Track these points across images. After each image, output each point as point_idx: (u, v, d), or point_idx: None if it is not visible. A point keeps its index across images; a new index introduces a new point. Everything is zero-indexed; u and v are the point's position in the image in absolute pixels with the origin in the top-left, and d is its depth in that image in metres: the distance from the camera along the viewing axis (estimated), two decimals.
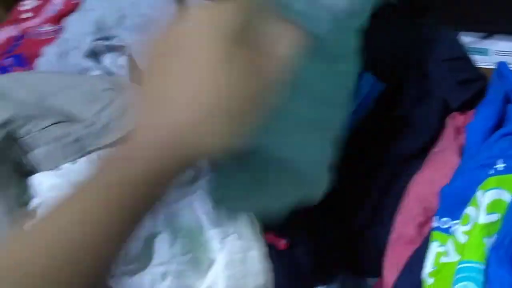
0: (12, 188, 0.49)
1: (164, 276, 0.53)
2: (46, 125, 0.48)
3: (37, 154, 0.49)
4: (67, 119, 0.49)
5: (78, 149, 0.48)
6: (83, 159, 0.48)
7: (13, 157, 0.49)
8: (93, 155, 0.48)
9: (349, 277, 0.60)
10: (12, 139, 0.48)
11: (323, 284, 0.60)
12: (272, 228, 0.55)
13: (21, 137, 0.48)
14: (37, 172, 0.49)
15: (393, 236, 0.56)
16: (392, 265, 0.55)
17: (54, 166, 0.49)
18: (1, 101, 0.51)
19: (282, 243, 0.56)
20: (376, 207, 0.57)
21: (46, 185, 0.51)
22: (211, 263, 0.56)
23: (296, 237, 0.57)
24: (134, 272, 0.51)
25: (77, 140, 0.49)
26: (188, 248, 0.53)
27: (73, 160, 0.48)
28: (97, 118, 0.49)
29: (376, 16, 0.48)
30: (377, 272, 0.57)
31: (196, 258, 0.54)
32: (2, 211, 0.47)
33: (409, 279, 0.52)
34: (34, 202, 0.51)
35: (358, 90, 0.53)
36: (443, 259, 0.43)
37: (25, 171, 0.51)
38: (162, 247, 0.51)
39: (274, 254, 0.55)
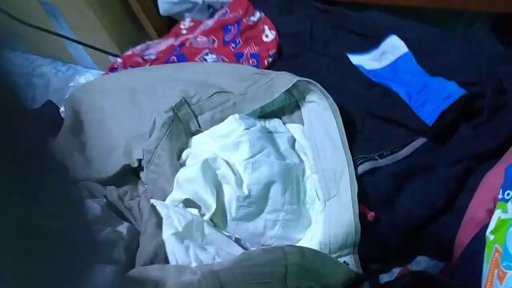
0: (179, 142, 0.67)
1: (275, 223, 0.67)
2: (211, 94, 0.66)
3: (203, 117, 0.67)
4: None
5: (233, 112, 0.66)
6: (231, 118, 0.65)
7: (186, 120, 0.67)
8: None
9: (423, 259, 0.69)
10: (187, 104, 0.66)
11: (399, 262, 0.70)
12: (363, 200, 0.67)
13: (193, 105, 0.67)
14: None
15: (465, 218, 0.66)
16: (461, 243, 0.65)
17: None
18: (174, 81, 0.70)
19: (371, 215, 0.68)
20: (452, 196, 0.67)
21: (196, 141, 0.68)
22: (311, 221, 0.69)
23: (383, 211, 0.68)
24: (252, 217, 0.66)
25: (234, 105, 0.66)
26: (295, 199, 0.67)
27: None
28: (247, 91, 0.66)
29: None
30: (447, 256, 0.67)
31: (300, 212, 0.67)
32: (168, 154, 0.65)
33: (470, 260, 0.62)
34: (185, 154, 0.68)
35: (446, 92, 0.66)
36: (502, 216, 0.53)
37: (191, 132, 0.68)
38: (276, 194, 0.65)
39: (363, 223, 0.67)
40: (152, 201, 0.62)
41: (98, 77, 0.88)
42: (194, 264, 0.57)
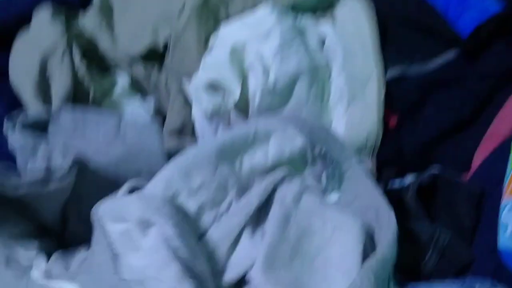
0: (208, 26, 0.66)
1: None
2: None
3: (232, 6, 0.65)
4: None
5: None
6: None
7: (217, 4, 0.66)
8: None
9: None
10: None
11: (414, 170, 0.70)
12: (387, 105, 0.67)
13: None
14: None
15: (488, 132, 0.66)
16: (480, 155, 0.65)
17: None
18: None
19: (393, 119, 0.68)
20: (478, 110, 0.68)
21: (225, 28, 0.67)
22: (332, 121, 0.69)
23: (406, 119, 0.69)
24: (274, 109, 0.66)
25: None
26: (320, 98, 0.67)
27: None
28: None
29: None
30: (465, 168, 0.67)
31: (323, 110, 0.67)
32: (196, 35, 0.64)
33: (491, 165, 0.62)
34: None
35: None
36: None
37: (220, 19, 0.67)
38: (301, 89, 0.65)
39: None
40: (183, 80, 0.62)
41: None
42: None
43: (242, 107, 0.64)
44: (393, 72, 0.68)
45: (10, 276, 0.38)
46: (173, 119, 0.57)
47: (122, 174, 0.44)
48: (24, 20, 0.62)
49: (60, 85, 0.54)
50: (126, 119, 0.47)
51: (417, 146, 0.69)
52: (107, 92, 0.60)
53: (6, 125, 0.44)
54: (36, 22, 0.61)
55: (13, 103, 0.54)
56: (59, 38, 0.57)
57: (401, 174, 0.69)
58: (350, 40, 0.68)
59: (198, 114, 0.59)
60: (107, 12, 0.70)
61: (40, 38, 0.58)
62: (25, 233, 0.42)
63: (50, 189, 0.40)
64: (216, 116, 0.60)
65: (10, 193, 0.39)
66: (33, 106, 0.52)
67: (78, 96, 0.55)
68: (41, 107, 0.52)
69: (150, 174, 0.45)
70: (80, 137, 0.44)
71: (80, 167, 0.41)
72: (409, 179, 0.68)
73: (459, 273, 0.55)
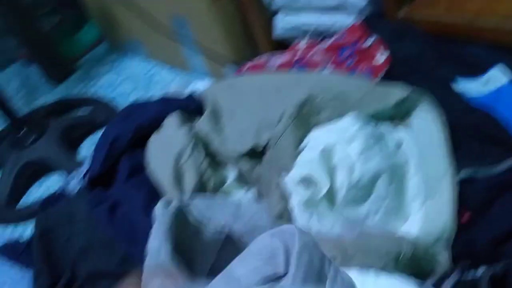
0: (301, 132, 0.79)
1: (377, 211, 0.76)
2: (333, 95, 0.79)
3: (323, 115, 0.79)
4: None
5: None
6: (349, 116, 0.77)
7: (309, 115, 0.79)
8: None
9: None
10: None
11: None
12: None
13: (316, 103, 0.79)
14: None
15: None
16: None
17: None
18: (299, 84, 0.83)
19: (466, 215, 0.75)
20: None
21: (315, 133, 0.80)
22: (409, 216, 0.78)
23: (477, 216, 0.75)
24: (358, 202, 0.76)
25: (352, 106, 0.78)
26: (398, 193, 0.76)
27: None
28: (365, 96, 0.78)
29: None
30: None
31: (401, 205, 0.76)
32: (292, 139, 0.77)
33: None
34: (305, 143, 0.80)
35: None
36: None
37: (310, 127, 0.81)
38: (383, 184, 0.75)
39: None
40: (282, 174, 0.74)
41: (229, 79, 1.03)
42: (315, 231, 0.68)
43: (330, 198, 0.75)
44: (463, 174, 0.77)
45: None
46: (274, 206, 0.68)
47: (244, 246, 0.55)
48: (155, 124, 0.79)
49: (190, 178, 0.68)
50: (244, 203, 0.59)
51: (489, 239, 0.75)
52: (221, 183, 0.73)
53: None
54: (168, 126, 0.77)
55: (151, 192, 0.68)
56: (187, 141, 0.72)
57: (474, 267, 0.76)
58: (424, 144, 0.78)
59: (295, 204, 0.69)
60: (217, 117, 0.85)
61: (173, 140, 0.73)
62: None
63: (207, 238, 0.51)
64: (309, 205, 0.71)
65: None
66: (171, 193, 0.66)
67: (201, 186, 0.68)
68: (178, 194, 0.65)
69: None
70: (211, 215, 0.56)
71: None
72: (481, 271, 0.75)
73: None
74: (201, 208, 0.57)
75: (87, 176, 0.77)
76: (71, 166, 1.21)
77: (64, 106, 1.55)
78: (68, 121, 1.45)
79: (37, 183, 1.37)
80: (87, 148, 1.40)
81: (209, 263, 0.55)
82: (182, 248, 0.54)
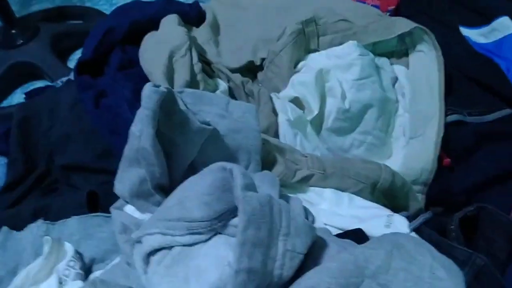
0: (299, 52, 0.77)
1: (361, 143, 0.76)
2: (336, 19, 0.77)
3: (324, 39, 0.77)
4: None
5: (352, 40, 0.76)
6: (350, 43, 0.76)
7: (310, 36, 0.77)
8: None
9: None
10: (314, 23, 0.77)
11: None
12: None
13: (319, 25, 0.77)
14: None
15: None
16: None
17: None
18: (305, 3, 0.81)
19: (446, 160, 0.76)
20: None
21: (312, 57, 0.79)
22: (391, 153, 0.78)
23: (458, 162, 0.76)
24: (344, 132, 0.75)
25: (354, 34, 0.76)
26: (384, 129, 0.76)
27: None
28: (369, 25, 0.76)
29: None
30: None
31: (385, 141, 0.77)
32: (289, 58, 0.75)
33: None
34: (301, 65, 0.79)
35: None
36: None
37: (309, 50, 0.79)
38: (370, 117, 0.74)
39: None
40: (272, 93, 0.73)
41: None
42: (299, 149, 0.67)
43: (317, 123, 0.75)
44: (453, 117, 0.77)
45: None
46: (261, 121, 0.67)
47: (228, 144, 0.55)
48: (153, 23, 0.77)
49: (181, 75, 0.66)
50: (233, 100, 0.58)
51: (465, 188, 0.76)
52: (210, 92, 0.71)
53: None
54: (165, 24, 0.75)
55: (138, 89, 0.66)
56: (184, 39, 0.70)
57: (447, 214, 0.77)
58: (419, 83, 0.77)
59: (282, 121, 0.69)
60: (216, 30, 0.83)
61: (169, 37, 0.71)
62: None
63: (193, 129, 0.50)
64: (296, 125, 0.70)
65: None
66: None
67: (191, 87, 0.67)
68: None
69: (246, 150, 0.56)
70: (198, 110, 0.55)
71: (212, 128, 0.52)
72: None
73: None
74: (190, 100, 0.56)
75: (76, 62, 0.74)
76: (59, 73, 1.17)
77: (60, 14, 1.50)
78: (62, 28, 1.40)
79: (21, 88, 1.33)
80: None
81: (191, 155, 0.54)
82: (166, 138, 0.53)
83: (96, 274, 0.62)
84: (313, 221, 0.50)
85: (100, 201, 0.68)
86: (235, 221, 0.43)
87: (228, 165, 0.44)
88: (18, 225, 0.66)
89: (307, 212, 0.49)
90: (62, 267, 0.60)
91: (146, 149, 0.51)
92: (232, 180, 0.42)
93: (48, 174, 0.75)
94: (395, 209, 0.69)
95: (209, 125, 0.54)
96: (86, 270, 0.63)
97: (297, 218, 0.41)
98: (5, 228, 0.66)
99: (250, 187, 0.41)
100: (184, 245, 0.43)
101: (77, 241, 0.64)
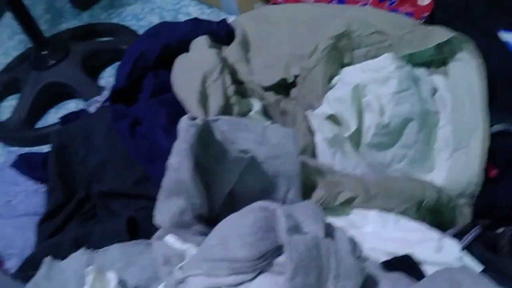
0: (333, 68, 0.76)
1: (402, 158, 0.73)
2: (371, 31, 0.75)
3: (359, 52, 0.75)
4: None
5: (388, 52, 0.73)
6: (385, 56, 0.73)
7: (344, 50, 0.75)
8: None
9: None
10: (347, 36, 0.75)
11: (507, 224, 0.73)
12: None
13: (353, 38, 0.75)
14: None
15: None
16: None
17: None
18: (338, 16, 0.79)
19: (493, 171, 0.73)
20: None
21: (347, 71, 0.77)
22: (434, 166, 0.75)
23: (506, 173, 0.73)
24: (384, 147, 0.73)
25: (389, 46, 0.74)
26: (426, 142, 0.73)
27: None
28: (404, 36, 0.74)
29: None
30: None
31: (427, 154, 0.74)
32: (323, 74, 0.74)
33: None
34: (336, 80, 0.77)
35: None
36: None
37: (343, 64, 0.77)
38: (411, 131, 0.72)
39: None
40: (307, 111, 0.71)
41: (263, 7, 0.98)
42: (338, 169, 0.65)
43: (356, 140, 0.72)
44: (498, 127, 0.74)
45: None
46: (298, 141, 0.65)
47: (267, 171, 0.54)
48: (183, 45, 0.76)
49: (215, 100, 0.66)
50: (270, 126, 0.57)
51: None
52: (245, 114, 0.70)
53: None
54: (196, 47, 0.74)
55: (173, 114, 0.65)
56: (216, 62, 0.69)
57: (495, 226, 0.74)
58: (460, 93, 0.74)
59: (320, 140, 0.67)
60: (246, 47, 0.82)
61: (201, 60, 0.70)
62: None
63: (231, 158, 0.49)
64: (334, 143, 0.68)
65: None
66: (196, 113, 0.64)
67: (225, 112, 0.66)
68: (202, 114, 0.63)
69: (285, 176, 0.54)
70: (234, 138, 0.54)
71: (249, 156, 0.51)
72: (501, 230, 0.73)
73: None
74: (227, 128, 0.55)
75: (110, 90, 0.74)
76: (91, 92, 1.19)
77: (89, 31, 1.52)
78: (92, 46, 1.42)
79: (55, 108, 1.35)
80: (109, 76, 1.38)
81: (230, 184, 0.53)
82: (204, 168, 0.52)
83: None
84: (360, 254, 0.48)
85: (139, 226, 0.68)
86: (280, 259, 0.41)
87: (270, 205, 0.43)
88: (60, 255, 0.67)
89: (354, 246, 0.47)
90: None
91: (185, 182, 0.50)
92: (275, 220, 0.41)
93: (87, 200, 0.75)
94: (442, 225, 0.67)
95: (246, 153, 0.53)
96: None
97: (346, 259, 0.39)
98: (48, 259, 0.66)
99: (295, 229, 0.40)
100: (229, 286, 0.42)
101: (120, 269, 0.64)
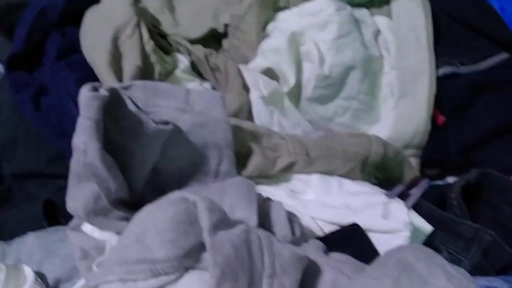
0: (268, 13, 0.67)
1: (345, 110, 0.68)
2: None
3: None
4: None
5: None
6: None
7: None
8: None
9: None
10: None
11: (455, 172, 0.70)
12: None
13: None
14: None
15: None
16: None
17: None
18: None
19: (441, 119, 0.69)
20: None
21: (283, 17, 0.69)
22: (380, 116, 0.70)
23: (454, 118, 0.69)
24: (325, 100, 0.67)
25: None
26: (370, 91, 0.68)
27: None
28: None
29: None
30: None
31: (372, 104, 0.69)
32: (256, 21, 0.65)
33: None
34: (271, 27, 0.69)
35: None
36: None
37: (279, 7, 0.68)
38: (354, 81, 0.66)
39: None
40: (239, 65, 0.64)
41: None
42: (277, 129, 0.59)
43: (295, 93, 0.66)
44: (445, 69, 0.69)
45: None
46: (231, 101, 0.58)
47: (193, 142, 0.47)
48: None
49: (130, 60, 0.56)
50: (194, 90, 0.49)
51: (462, 146, 0.69)
52: (170, 73, 0.62)
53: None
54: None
55: (85, 76, 0.56)
56: (130, 15, 0.60)
57: (443, 175, 0.71)
58: (404, 35, 0.69)
59: (255, 99, 0.60)
60: None
61: (112, 15, 0.60)
62: None
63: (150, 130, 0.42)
64: (272, 101, 0.61)
65: None
66: (106, 78, 0.55)
67: (144, 73, 0.57)
68: (114, 79, 0.54)
69: (215, 145, 0.48)
70: (152, 106, 0.46)
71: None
72: (450, 180, 0.70)
73: (501, 271, 0.56)
74: (141, 95, 0.47)
75: (6, 56, 0.63)
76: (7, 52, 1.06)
77: None
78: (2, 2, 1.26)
79: None
80: None
81: (151, 160, 0.46)
82: (117, 145, 0.45)
83: None
84: (301, 232, 0.42)
85: (59, 209, 0.60)
86: (208, 254, 0.35)
87: (190, 196, 0.36)
88: None
89: (293, 226, 0.42)
90: None
91: (94, 164, 0.43)
92: (198, 212, 0.35)
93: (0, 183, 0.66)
94: (390, 180, 0.63)
95: (167, 123, 0.46)
96: None
97: (282, 251, 0.34)
98: None
99: (221, 222, 0.34)
100: None
101: (39, 261, 0.57)
